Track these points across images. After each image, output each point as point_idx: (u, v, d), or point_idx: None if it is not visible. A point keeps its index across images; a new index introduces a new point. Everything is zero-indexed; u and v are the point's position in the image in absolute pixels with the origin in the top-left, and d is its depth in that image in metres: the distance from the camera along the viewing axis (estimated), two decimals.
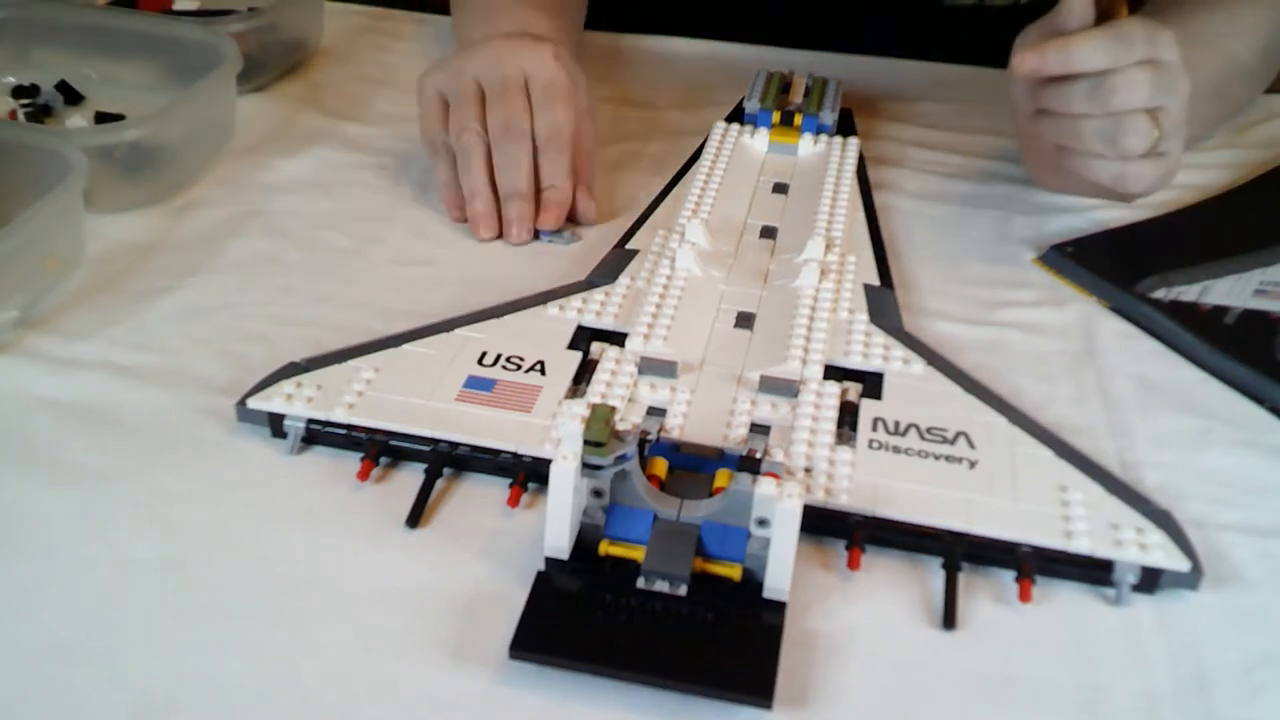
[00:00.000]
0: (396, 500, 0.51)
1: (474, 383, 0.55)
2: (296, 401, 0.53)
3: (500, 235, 0.69)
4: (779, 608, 0.45)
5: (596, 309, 0.60)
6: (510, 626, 0.43)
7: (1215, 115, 0.76)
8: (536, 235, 0.69)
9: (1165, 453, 0.55)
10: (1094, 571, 0.48)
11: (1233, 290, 0.64)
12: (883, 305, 0.61)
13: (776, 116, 0.76)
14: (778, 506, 0.43)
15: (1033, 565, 0.48)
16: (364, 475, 0.52)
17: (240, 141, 0.78)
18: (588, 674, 0.43)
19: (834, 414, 0.54)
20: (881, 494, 0.49)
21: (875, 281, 0.63)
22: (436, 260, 0.67)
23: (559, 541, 0.46)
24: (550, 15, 0.77)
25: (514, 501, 0.51)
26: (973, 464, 0.51)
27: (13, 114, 0.78)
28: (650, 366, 0.56)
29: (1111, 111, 0.59)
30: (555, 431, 0.52)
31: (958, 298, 0.65)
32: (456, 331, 0.58)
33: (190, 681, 0.43)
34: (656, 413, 0.54)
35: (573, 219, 0.70)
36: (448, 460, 0.52)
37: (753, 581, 0.45)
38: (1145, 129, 0.59)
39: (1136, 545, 0.47)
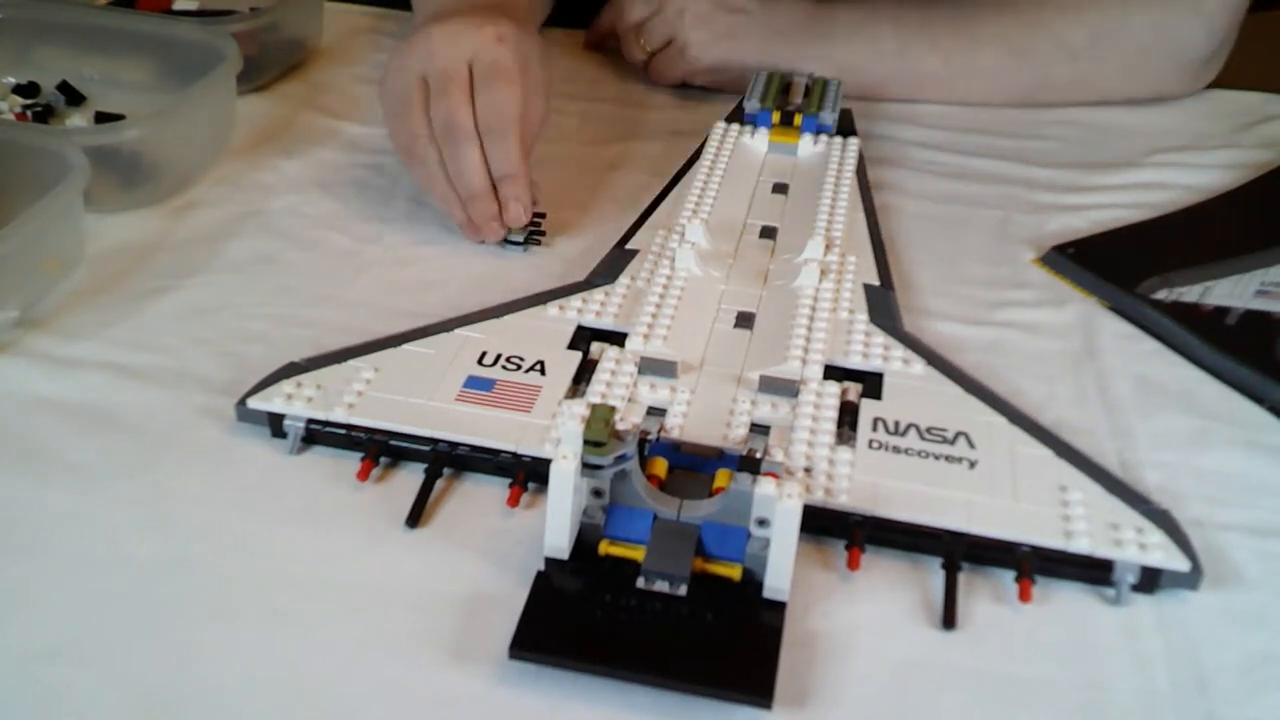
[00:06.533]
0: (396, 500, 0.51)
1: (474, 383, 0.55)
2: (296, 401, 0.53)
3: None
4: (779, 608, 0.45)
5: (596, 309, 0.60)
6: (510, 626, 0.43)
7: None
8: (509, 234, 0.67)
9: (1165, 453, 0.55)
10: (1094, 571, 0.48)
11: (1234, 291, 0.64)
12: (883, 305, 0.61)
13: (776, 116, 0.76)
14: (778, 506, 0.43)
15: (1032, 565, 0.48)
16: (364, 475, 0.52)
17: (240, 141, 0.77)
18: (588, 674, 0.43)
19: (834, 414, 0.54)
20: (881, 494, 0.49)
21: (875, 281, 0.63)
22: (436, 260, 0.67)
23: (559, 541, 0.46)
24: None
25: (514, 501, 0.51)
26: (973, 464, 0.51)
27: (21, 116, 0.78)
28: (650, 366, 0.56)
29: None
30: (555, 431, 0.52)
31: (958, 298, 0.65)
32: (456, 331, 0.58)
33: (190, 681, 0.43)
34: (656, 413, 0.54)
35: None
36: (447, 460, 0.52)
37: (753, 581, 0.45)
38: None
39: (1136, 545, 0.47)
